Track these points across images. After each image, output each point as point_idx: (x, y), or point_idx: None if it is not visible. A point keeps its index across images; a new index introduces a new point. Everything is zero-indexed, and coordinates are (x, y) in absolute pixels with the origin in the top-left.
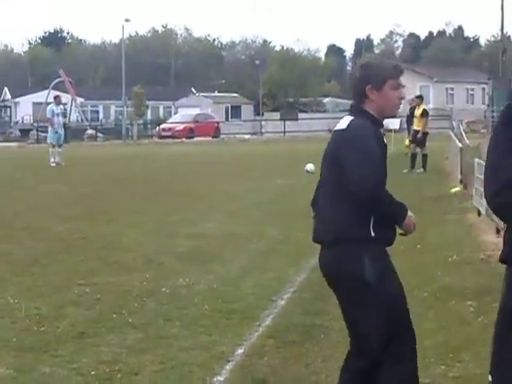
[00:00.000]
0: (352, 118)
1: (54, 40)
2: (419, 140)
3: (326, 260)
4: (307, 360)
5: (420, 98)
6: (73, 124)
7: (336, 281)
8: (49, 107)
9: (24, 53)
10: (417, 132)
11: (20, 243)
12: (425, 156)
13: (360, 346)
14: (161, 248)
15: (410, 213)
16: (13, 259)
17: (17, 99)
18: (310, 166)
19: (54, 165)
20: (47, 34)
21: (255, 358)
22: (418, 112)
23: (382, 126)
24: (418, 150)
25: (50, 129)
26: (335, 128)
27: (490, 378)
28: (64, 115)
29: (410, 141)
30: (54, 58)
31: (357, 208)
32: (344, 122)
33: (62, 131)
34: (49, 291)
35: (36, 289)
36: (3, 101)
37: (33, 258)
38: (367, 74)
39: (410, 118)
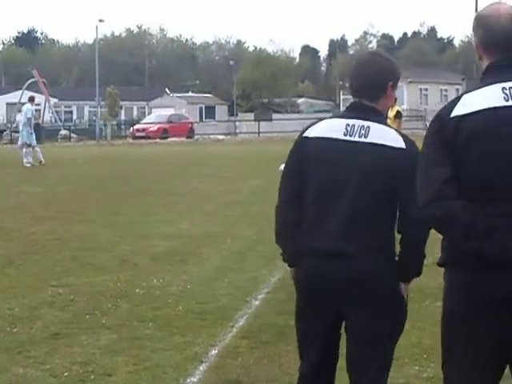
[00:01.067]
0: (392, 129)
1: (27, 40)
2: None
3: None
4: (281, 360)
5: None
6: (46, 125)
7: None
8: (28, 108)
9: None
10: None
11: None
12: None
13: None
14: (135, 248)
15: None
16: None
17: None
18: (284, 167)
19: (28, 165)
20: (21, 34)
21: (229, 358)
22: (391, 114)
23: None
24: None
25: (26, 129)
26: (370, 140)
27: None
28: (34, 116)
29: None
30: (28, 58)
31: None
32: (386, 133)
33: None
34: (22, 292)
35: (9, 290)
36: None
37: (6, 259)
38: (391, 69)
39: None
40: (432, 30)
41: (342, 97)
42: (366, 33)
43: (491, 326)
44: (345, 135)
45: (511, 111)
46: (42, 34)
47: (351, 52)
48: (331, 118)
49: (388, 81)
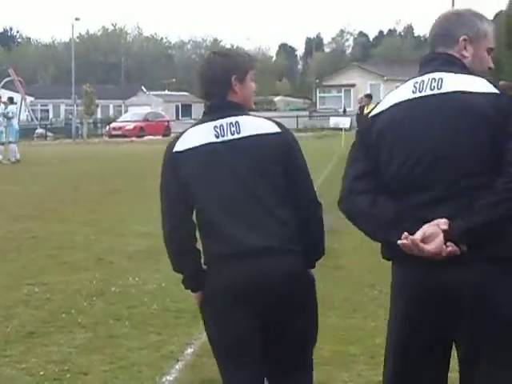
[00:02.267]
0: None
1: (3, 39)
2: None
3: None
4: None
5: (369, 97)
6: (22, 123)
7: None
8: (10, 107)
9: None
10: None
11: None
12: None
13: None
14: (111, 247)
15: None
16: None
17: None
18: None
19: (8, 162)
20: None
21: (205, 357)
22: (366, 111)
23: None
24: None
25: (10, 127)
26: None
27: None
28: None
29: None
30: (4, 57)
31: None
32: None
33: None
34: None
35: None
36: None
37: None
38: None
39: (359, 116)
40: (408, 28)
41: (318, 95)
42: (342, 31)
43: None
44: (217, 137)
45: (412, 103)
46: (18, 32)
47: (328, 50)
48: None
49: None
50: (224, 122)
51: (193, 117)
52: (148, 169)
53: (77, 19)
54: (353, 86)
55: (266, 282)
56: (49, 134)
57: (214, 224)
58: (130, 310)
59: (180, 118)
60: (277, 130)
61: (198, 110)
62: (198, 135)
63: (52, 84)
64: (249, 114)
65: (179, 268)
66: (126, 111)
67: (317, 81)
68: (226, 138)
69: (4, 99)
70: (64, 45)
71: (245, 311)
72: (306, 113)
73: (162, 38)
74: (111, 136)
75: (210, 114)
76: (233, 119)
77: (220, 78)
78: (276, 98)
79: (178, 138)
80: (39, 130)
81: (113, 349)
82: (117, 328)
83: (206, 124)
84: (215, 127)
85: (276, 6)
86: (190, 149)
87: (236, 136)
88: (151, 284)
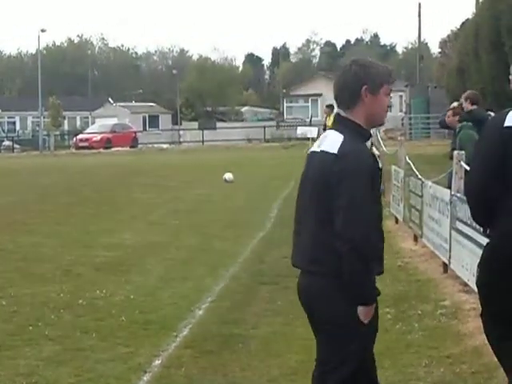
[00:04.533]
0: (341, 136)
1: None
2: None
3: None
4: (225, 370)
5: (330, 107)
6: None
7: None
8: None
9: None
10: None
11: None
12: None
13: None
14: (79, 259)
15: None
16: None
17: None
18: (228, 176)
19: None
20: None
21: (172, 368)
22: (329, 121)
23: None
24: None
25: None
26: (320, 148)
27: None
28: None
29: None
30: None
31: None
32: (332, 141)
33: None
34: None
35: None
36: None
37: None
38: (364, 74)
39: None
40: (375, 37)
41: (285, 105)
42: (308, 40)
43: None
44: (318, 146)
45: None
46: None
47: (294, 60)
48: None
49: (361, 85)
50: (326, 133)
51: (160, 127)
52: (115, 180)
53: (43, 31)
54: (320, 95)
55: None
56: (16, 146)
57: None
58: (98, 322)
59: (147, 128)
60: (335, 151)
61: (166, 120)
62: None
63: (18, 96)
64: (338, 130)
65: (376, 273)
66: (93, 123)
67: (284, 91)
68: (314, 149)
69: None
70: (30, 56)
71: None
72: (274, 123)
73: (128, 49)
74: (78, 148)
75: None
76: (328, 132)
77: (350, 86)
78: (243, 109)
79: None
80: (6, 143)
81: (80, 361)
82: (84, 340)
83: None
84: (323, 137)
85: (242, 16)
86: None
87: (316, 149)
88: (119, 296)
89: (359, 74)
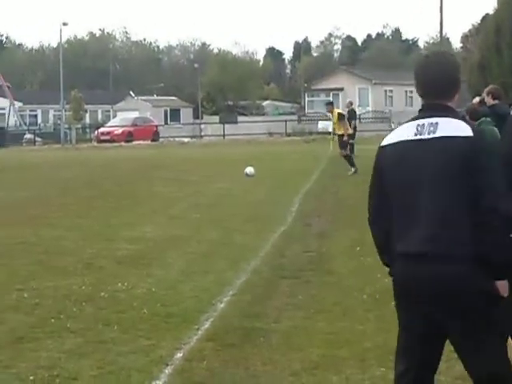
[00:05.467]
0: (459, 121)
1: None
2: (344, 143)
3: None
4: (247, 363)
5: (330, 104)
6: (11, 128)
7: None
8: None
9: None
10: (342, 136)
11: None
12: (347, 157)
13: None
14: (100, 252)
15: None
16: None
17: None
18: (249, 170)
19: None
20: None
21: (194, 361)
22: (334, 118)
23: None
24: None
25: None
26: (438, 134)
27: None
28: None
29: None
30: None
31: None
32: (454, 126)
33: None
34: None
35: None
36: None
37: None
38: (459, 67)
39: (348, 120)
40: (396, 32)
41: (306, 99)
42: (330, 35)
43: None
44: (415, 135)
45: None
46: (6, 37)
47: (315, 54)
48: (405, 122)
49: (459, 77)
50: (426, 121)
51: (181, 121)
52: (136, 174)
53: (65, 24)
54: (341, 89)
55: None
56: (37, 139)
57: (395, 218)
58: (120, 314)
59: (168, 122)
60: (469, 134)
61: (187, 114)
62: (402, 132)
63: (40, 89)
64: (451, 117)
65: (379, 254)
66: (114, 116)
67: (305, 85)
68: (422, 137)
69: None
70: (52, 50)
71: None
72: (295, 117)
73: (150, 43)
74: (100, 141)
75: (420, 113)
76: (434, 120)
77: (452, 75)
78: (264, 103)
79: (390, 132)
80: (28, 136)
81: (102, 354)
82: (106, 333)
83: (412, 122)
84: (418, 125)
85: (263, 9)
86: (391, 144)
87: (431, 136)
88: (140, 289)
89: (456, 63)
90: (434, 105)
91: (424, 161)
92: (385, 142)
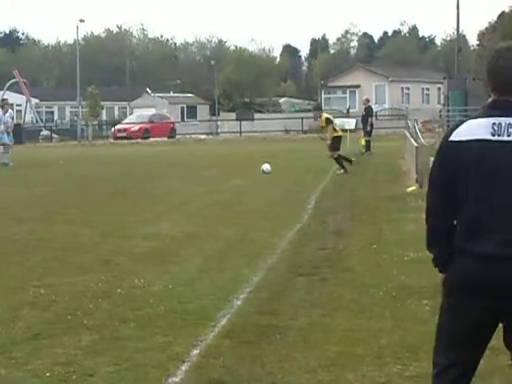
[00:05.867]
0: None
1: (7, 40)
2: (331, 146)
3: None
4: (263, 360)
5: (319, 109)
6: (28, 125)
7: None
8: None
9: None
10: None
11: None
12: (336, 159)
13: None
14: (117, 249)
15: None
16: None
17: None
18: (266, 167)
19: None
20: (2, 34)
21: (211, 358)
22: (322, 122)
23: None
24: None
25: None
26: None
27: None
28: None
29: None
30: (8, 58)
31: None
32: None
33: None
34: (4, 292)
35: None
36: None
37: None
38: None
39: (364, 117)
40: (413, 29)
41: (323, 96)
42: (347, 32)
43: None
44: (493, 135)
45: None
46: (23, 34)
47: (332, 51)
48: (474, 118)
49: None
50: (503, 121)
51: (198, 118)
52: (153, 170)
53: (81, 21)
54: (358, 87)
55: None
56: (54, 135)
57: (466, 214)
58: (136, 311)
59: (185, 119)
60: None
61: (203, 111)
62: (475, 129)
63: (57, 86)
64: None
65: (434, 247)
66: (131, 113)
67: (322, 82)
68: (501, 138)
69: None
70: (69, 46)
71: None
72: (311, 114)
73: (167, 40)
74: (116, 138)
75: (493, 110)
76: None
77: None
78: (281, 100)
79: (453, 128)
80: (44, 132)
81: (118, 350)
82: (122, 329)
83: (485, 119)
84: (493, 124)
85: (280, 6)
86: (466, 141)
87: (511, 138)
88: (157, 286)
89: None
90: (510, 103)
91: (505, 164)
92: (456, 138)
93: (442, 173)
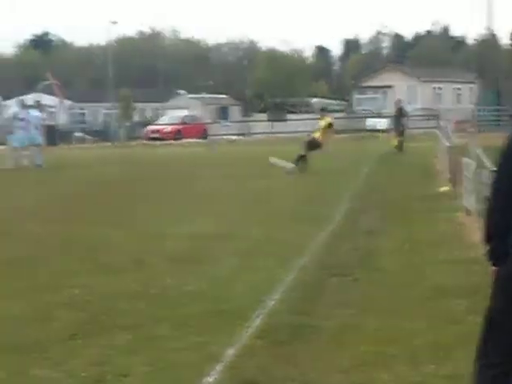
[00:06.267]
0: None
1: (40, 42)
2: (312, 144)
3: None
4: (297, 360)
5: (324, 110)
6: (61, 127)
7: None
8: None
9: (13, 56)
10: (314, 140)
11: (9, 245)
12: (302, 156)
13: None
14: (150, 249)
15: None
16: (3, 260)
17: (6, 102)
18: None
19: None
20: (35, 37)
21: (245, 358)
22: (322, 123)
23: None
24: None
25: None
26: None
27: None
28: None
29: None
30: (41, 60)
31: None
32: None
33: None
34: (39, 293)
35: (26, 290)
36: None
37: (23, 260)
38: None
39: (396, 118)
40: (445, 29)
41: (355, 96)
42: (378, 32)
43: None
44: None
45: None
46: (55, 36)
47: (364, 52)
48: None
49: None
50: None
51: (230, 119)
52: (185, 171)
53: (114, 22)
54: (390, 87)
55: None
56: (87, 137)
57: None
58: (170, 311)
59: (217, 120)
60: None
61: (235, 112)
62: None
63: (89, 87)
64: None
65: (492, 240)
66: (163, 114)
67: (353, 82)
68: None
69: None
70: (101, 48)
71: None
72: (343, 114)
73: (199, 41)
74: (149, 139)
75: None
76: None
77: None
78: (313, 100)
79: None
80: (77, 134)
81: (153, 350)
82: (157, 329)
83: None
84: None
85: (312, 7)
86: None
87: None
88: (191, 285)
89: None
90: None
91: None
92: None
93: (506, 171)
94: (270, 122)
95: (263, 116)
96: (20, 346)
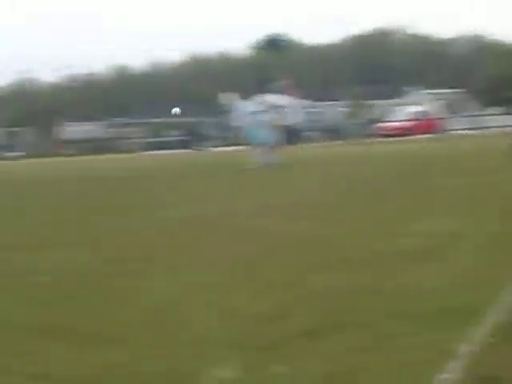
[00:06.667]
0: None
1: (273, 44)
2: None
3: None
4: None
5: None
6: (295, 126)
7: None
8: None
9: (247, 57)
10: None
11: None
12: None
13: None
14: (384, 245)
15: None
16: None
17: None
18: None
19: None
20: (267, 37)
21: (484, 355)
22: None
23: None
24: None
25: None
26: None
27: None
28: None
29: None
30: (274, 60)
31: None
32: None
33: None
34: (273, 289)
35: (258, 287)
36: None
37: (255, 258)
38: None
39: None
40: None
41: None
42: None
43: None
44: None
45: None
46: (286, 36)
47: None
48: None
49: None
50: None
51: (464, 113)
52: (419, 169)
53: (350, 22)
54: None
55: None
56: (318, 135)
57: None
58: (407, 308)
59: (450, 115)
60: None
61: (469, 106)
62: None
63: (323, 86)
64: None
65: None
66: (394, 111)
67: None
68: None
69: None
70: (334, 47)
71: None
72: None
73: (430, 36)
74: (380, 136)
75: None
76: None
77: None
78: None
79: None
80: (309, 133)
81: (389, 347)
82: (393, 326)
83: None
84: None
85: None
86: None
87: None
88: (427, 282)
89: None
90: None
91: None
92: None
93: None
94: (506, 116)
95: (498, 110)
96: (256, 343)
